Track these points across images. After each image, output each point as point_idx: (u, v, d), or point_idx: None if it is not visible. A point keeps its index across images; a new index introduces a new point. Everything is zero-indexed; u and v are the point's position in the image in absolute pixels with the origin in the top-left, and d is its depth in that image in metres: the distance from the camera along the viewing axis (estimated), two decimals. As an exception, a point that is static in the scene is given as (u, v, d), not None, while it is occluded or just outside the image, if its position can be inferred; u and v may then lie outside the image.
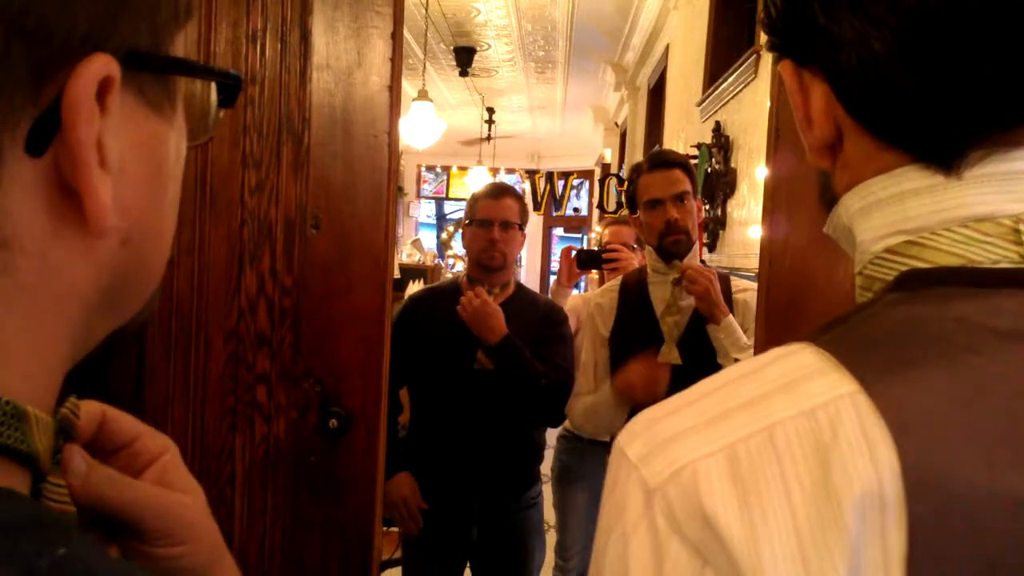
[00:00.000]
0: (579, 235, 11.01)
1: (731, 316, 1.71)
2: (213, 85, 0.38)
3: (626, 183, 1.90)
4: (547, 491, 2.21)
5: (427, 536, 1.96)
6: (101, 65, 0.27)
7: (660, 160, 1.87)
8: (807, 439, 0.37)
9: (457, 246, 8.82)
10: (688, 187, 1.79)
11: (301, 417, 1.29)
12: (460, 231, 2.16)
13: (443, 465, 1.96)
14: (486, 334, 1.86)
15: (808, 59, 0.45)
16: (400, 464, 1.94)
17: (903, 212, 0.43)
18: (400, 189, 9.80)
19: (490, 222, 1.99)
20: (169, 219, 0.35)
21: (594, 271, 2.83)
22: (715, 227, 3.32)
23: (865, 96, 0.43)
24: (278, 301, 1.28)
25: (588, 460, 2.52)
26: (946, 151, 0.42)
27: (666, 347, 1.73)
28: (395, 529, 2.04)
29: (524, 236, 2.11)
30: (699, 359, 1.69)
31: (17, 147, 0.27)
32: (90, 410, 0.41)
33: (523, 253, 10.57)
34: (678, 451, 0.39)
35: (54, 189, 0.28)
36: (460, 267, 7.88)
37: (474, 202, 2.07)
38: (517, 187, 10.91)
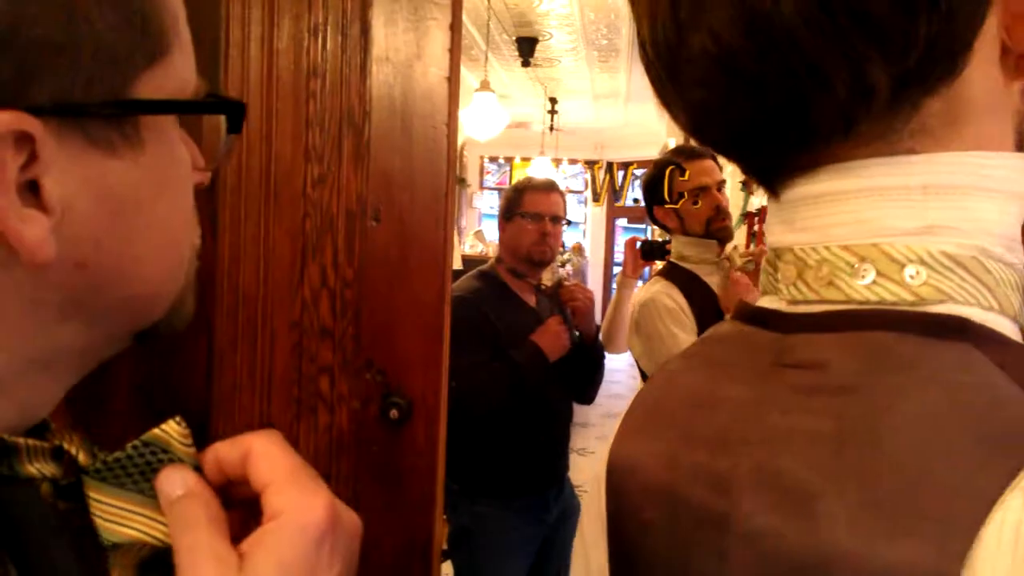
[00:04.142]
0: (642, 226, 10.87)
1: None
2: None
3: (668, 174, 1.87)
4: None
5: (508, 524, 2.00)
6: (2, 122, 0.29)
7: (697, 151, 1.90)
8: None
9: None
10: (723, 177, 1.84)
11: (363, 407, 1.31)
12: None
13: (524, 455, 1.99)
14: (591, 324, 1.99)
15: None
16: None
17: None
18: (463, 180, 9.85)
19: (541, 216, 1.99)
20: (149, 242, 0.37)
21: (658, 262, 2.82)
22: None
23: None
24: (340, 293, 1.30)
25: None
26: (753, 174, 0.45)
27: None
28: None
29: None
30: None
31: None
32: (226, 453, 0.37)
33: (587, 244, 10.51)
34: None
35: None
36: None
37: (517, 196, 2.06)
38: (580, 177, 10.81)
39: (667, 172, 1.85)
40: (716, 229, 1.80)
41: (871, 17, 0.34)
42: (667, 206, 1.86)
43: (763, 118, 0.39)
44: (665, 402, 0.47)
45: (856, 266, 0.38)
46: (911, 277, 0.37)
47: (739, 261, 1.79)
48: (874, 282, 0.37)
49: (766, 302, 0.45)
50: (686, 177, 1.81)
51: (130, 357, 1.28)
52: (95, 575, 0.37)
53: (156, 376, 1.30)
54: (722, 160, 2.01)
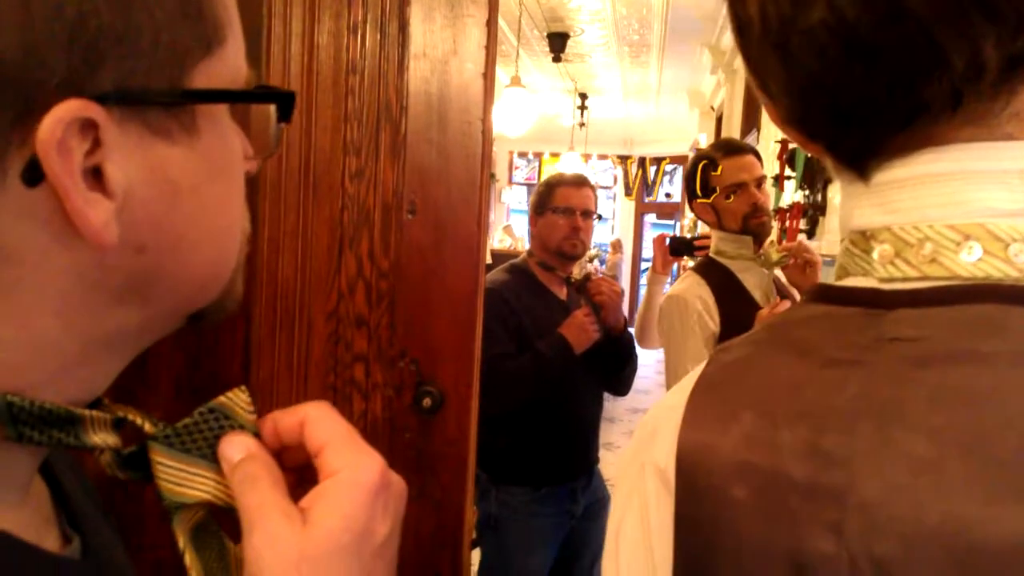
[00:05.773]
0: (671, 222, 10.83)
1: None
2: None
3: (700, 169, 1.87)
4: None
5: (535, 516, 2.02)
6: (69, 110, 0.31)
7: (736, 146, 1.89)
8: None
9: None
10: (764, 172, 1.83)
11: (396, 395, 1.34)
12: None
13: (553, 445, 2.01)
14: (619, 317, 2.02)
15: None
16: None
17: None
18: (492, 175, 9.86)
19: (572, 210, 2.02)
20: (204, 227, 0.38)
21: (687, 258, 2.83)
22: (815, 213, 3.21)
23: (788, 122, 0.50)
24: (375, 283, 1.33)
25: None
26: (847, 157, 0.45)
27: None
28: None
29: None
30: None
31: (14, 179, 0.31)
32: (283, 420, 0.39)
33: (620, 239, 10.51)
34: None
35: (55, 210, 0.32)
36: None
37: (549, 190, 2.08)
38: (609, 173, 10.78)
39: (700, 166, 1.85)
40: (753, 225, 1.80)
41: None
42: (700, 200, 1.86)
43: (876, 92, 0.40)
44: (741, 385, 0.47)
45: (961, 244, 0.40)
46: (1015, 255, 0.39)
47: (775, 256, 1.79)
48: (981, 259, 0.40)
49: (853, 282, 0.46)
50: (719, 172, 1.82)
51: (171, 345, 1.32)
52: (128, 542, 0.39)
53: (196, 364, 1.34)
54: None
